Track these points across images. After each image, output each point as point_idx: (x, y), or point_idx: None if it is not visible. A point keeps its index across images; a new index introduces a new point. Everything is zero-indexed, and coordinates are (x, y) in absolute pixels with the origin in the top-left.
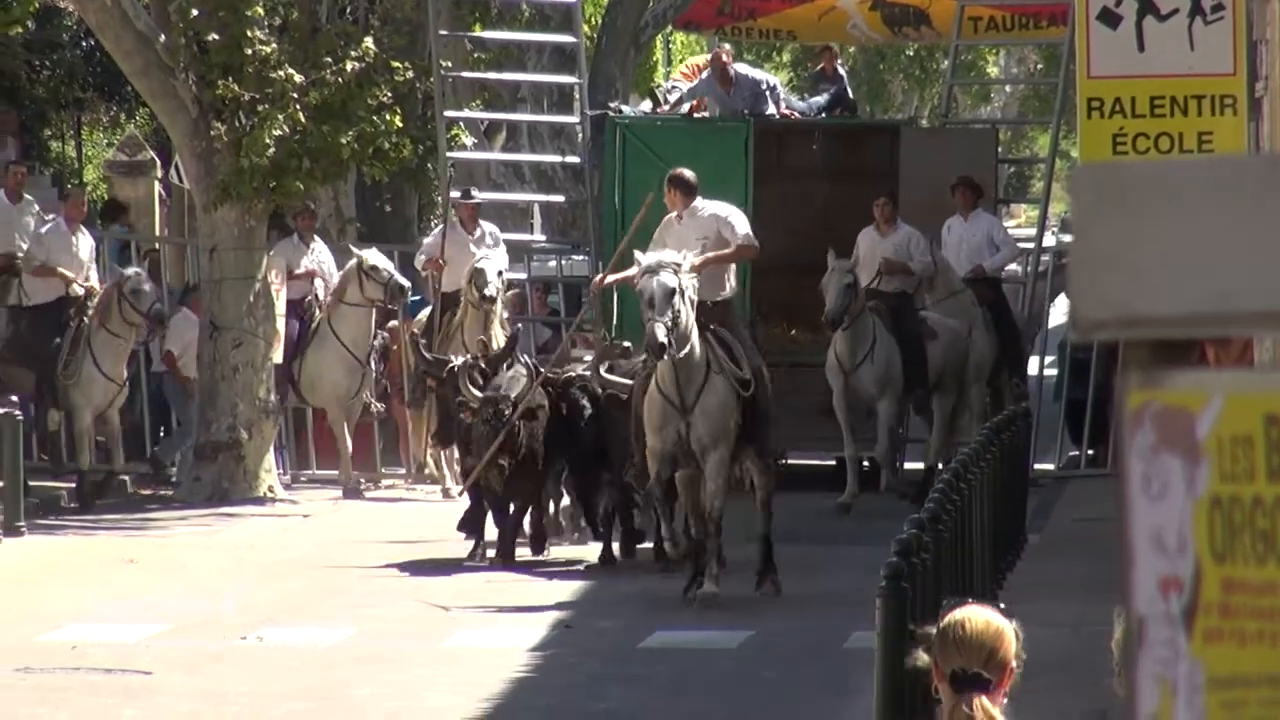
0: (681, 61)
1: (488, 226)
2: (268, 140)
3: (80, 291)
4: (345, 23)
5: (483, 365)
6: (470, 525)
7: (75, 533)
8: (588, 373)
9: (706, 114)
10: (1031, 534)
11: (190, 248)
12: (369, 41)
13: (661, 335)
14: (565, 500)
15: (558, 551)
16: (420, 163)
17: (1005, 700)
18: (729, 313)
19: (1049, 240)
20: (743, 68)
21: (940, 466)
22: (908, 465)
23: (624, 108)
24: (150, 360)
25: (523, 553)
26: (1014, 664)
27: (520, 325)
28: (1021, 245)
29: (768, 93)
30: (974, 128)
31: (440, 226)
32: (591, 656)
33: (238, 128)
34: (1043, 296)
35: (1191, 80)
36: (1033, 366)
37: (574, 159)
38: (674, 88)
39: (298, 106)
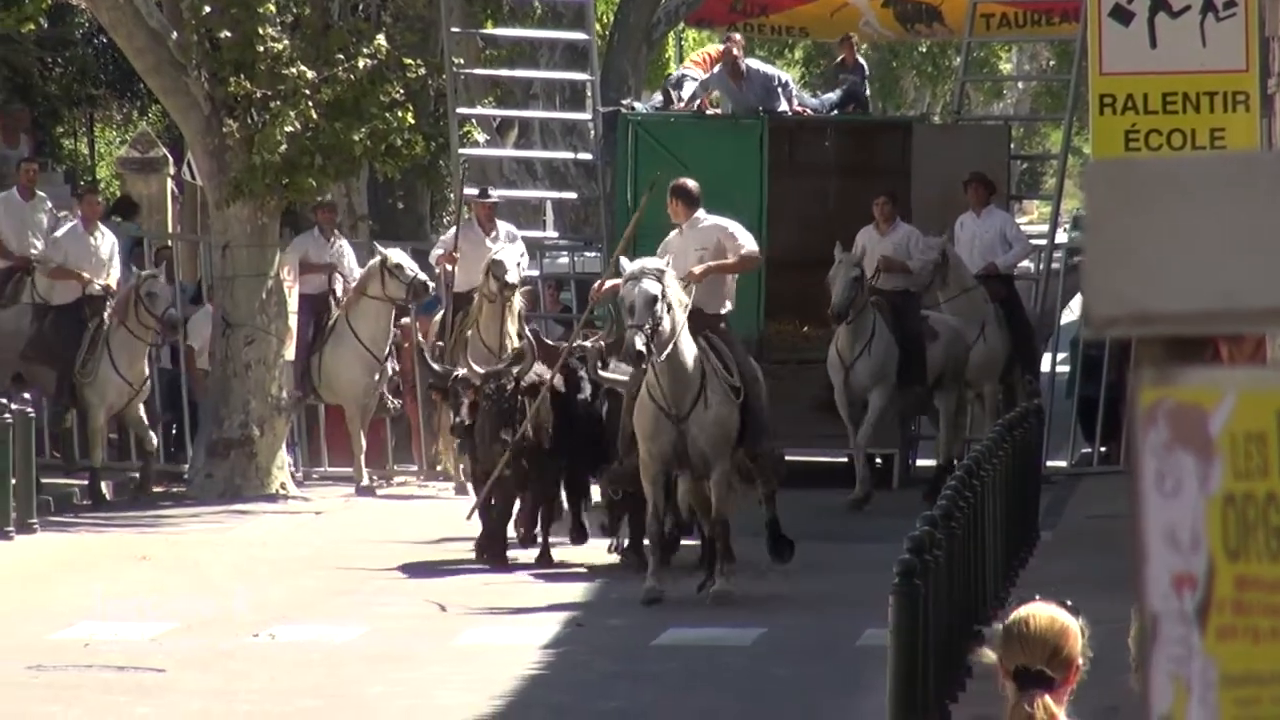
0: None
1: (505, 227)
2: (280, 137)
3: (99, 290)
4: (357, 20)
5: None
6: (489, 549)
7: (87, 530)
8: (589, 343)
9: (718, 110)
10: (1044, 531)
11: (203, 245)
12: (381, 38)
13: (639, 344)
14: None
15: (562, 553)
16: (433, 160)
17: (1070, 699)
18: (723, 324)
19: (1061, 237)
20: (755, 63)
21: (955, 463)
22: (920, 462)
23: (636, 104)
24: (160, 357)
25: (560, 551)
26: (1079, 661)
27: (532, 328)
28: (1034, 242)
29: (780, 89)
30: (986, 124)
31: (457, 224)
32: (603, 654)
33: (250, 125)
34: (1055, 293)
35: (1204, 77)
36: (1045, 363)
37: (586, 156)
38: (684, 76)
39: (310, 103)
